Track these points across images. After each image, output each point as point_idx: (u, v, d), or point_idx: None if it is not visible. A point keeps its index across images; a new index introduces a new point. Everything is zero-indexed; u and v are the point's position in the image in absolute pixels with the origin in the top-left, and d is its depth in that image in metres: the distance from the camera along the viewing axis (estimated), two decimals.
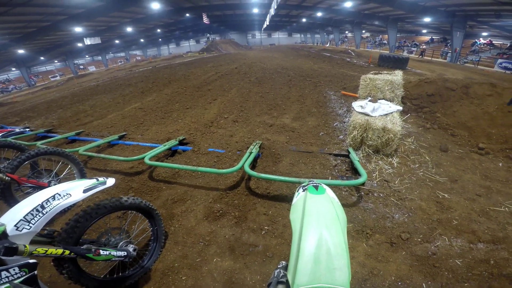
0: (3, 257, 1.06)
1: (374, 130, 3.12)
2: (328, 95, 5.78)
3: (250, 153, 3.05)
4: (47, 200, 1.31)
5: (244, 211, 2.44)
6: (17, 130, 4.71)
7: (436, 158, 3.16)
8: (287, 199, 2.54)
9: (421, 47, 24.54)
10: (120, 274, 1.76)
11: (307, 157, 3.26)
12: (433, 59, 20.16)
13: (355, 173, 2.85)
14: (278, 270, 0.89)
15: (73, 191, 1.43)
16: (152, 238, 1.95)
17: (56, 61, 34.92)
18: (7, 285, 1.02)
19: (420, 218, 2.27)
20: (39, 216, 1.25)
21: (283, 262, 0.97)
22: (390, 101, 4.00)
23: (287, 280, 0.77)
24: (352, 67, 12.10)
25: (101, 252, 1.45)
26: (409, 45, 26.47)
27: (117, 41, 33.02)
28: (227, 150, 3.45)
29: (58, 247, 1.26)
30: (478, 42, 21.82)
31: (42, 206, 1.28)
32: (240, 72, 10.42)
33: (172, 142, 3.64)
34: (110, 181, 1.65)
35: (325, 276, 0.69)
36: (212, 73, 10.68)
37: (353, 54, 18.40)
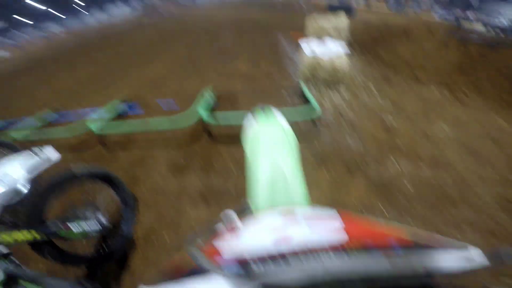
0: None
1: (323, 67, 3.29)
2: (278, 38, 5.94)
3: (204, 100, 2.98)
4: None
5: (208, 157, 2.44)
6: None
7: (380, 87, 3.51)
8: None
9: None
10: (105, 248, 1.70)
11: (262, 97, 3.29)
12: (379, 9, 21.42)
13: (309, 106, 3.01)
14: (244, 200, 0.86)
15: (12, 170, 1.36)
16: (122, 205, 1.87)
17: None
18: None
19: (371, 142, 2.51)
20: None
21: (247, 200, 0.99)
22: (337, 42, 4.20)
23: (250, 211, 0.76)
24: (301, 14, 12.26)
25: (72, 227, 1.41)
26: None
27: (28, 20, 27.88)
28: (180, 101, 3.33)
29: (24, 230, 1.22)
30: None
31: None
32: (187, 30, 9.83)
33: (119, 106, 3.37)
34: (54, 155, 1.56)
35: (283, 198, 0.70)
36: (155, 35, 9.78)
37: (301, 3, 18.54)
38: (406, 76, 3.99)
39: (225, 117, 2.63)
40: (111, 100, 3.69)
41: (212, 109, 3.15)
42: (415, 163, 2.29)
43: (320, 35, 4.35)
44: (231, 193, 2.08)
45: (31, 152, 1.50)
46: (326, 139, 2.58)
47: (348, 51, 4.00)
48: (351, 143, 2.51)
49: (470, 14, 4.65)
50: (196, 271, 0.33)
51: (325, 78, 3.34)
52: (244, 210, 0.76)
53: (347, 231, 0.38)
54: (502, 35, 4.60)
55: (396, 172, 2.21)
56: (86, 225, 1.50)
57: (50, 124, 3.54)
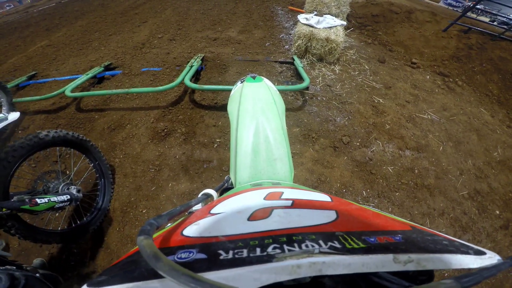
0: None
1: (318, 40, 3.34)
2: (276, 10, 5.83)
3: (191, 66, 3.00)
4: None
5: (191, 125, 2.48)
6: None
7: (374, 67, 3.61)
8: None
9: None
10: (78, 222, 1.70)
11: (253, 66, 3.37)
12: None
13: (299, 78, 3.09)
14: (227, 176, 0.85)
15: None
16: (97, 175, 1.84)
17: None
18: None
19: (358, 121, 2.64)
20: None
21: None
22: (336, 17, 4.23)
23: (232, 188, 0.74)
24: None
25: (38, 201, 1.35)
26: None
27: None
28: (165, 67, 3.31)
29: None
30: None
31: None
32: None
33: (97, 69, 3.33)
34: (13, 115, 1.50)
35: (266, 169, 0.69)
36: None
37: None
38: (402, 59, 4.12)
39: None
40: (92, 65, 3.65)
41: (198, 73, 3.20)
42: (399, 147, 2.47)
43: (319, 9, 4.35)
44: (215, 167, 2.14)
45: None
46: (314, 113, 2.71)
47: (345, 25, 4.05)
48: (339, 120, 2.66)
49: (478, 4, 4.70)
50: (141, 268, 0.26)
51: (319, 50, 3.41)
52: (225, 187, 0.78)
53: (338, 211, 0.35)
54: (506, 27, 4.75)
55: (380, 154, 2.39)
56: (55, 197, 1.44)
57: (21, 87, 3.48)
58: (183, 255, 0.27)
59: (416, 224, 0.32)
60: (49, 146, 1.52)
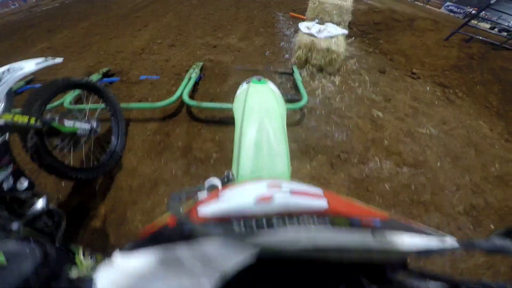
0: None
1: (319, 50, 3.30)
2: (277, 17, 5.81)
3: (190, 78, 2.96)
4: (2, 72, 1.41)
5: (188, 140, 2.44)
6: None
7: (374, 78, 3.57)
8: (234, 122, 2.60)
9: None
10: (95, 163, 1.98)
11: (253, 75, 3.28)
12: None
13: (298, 92, 3.07)
14: (227, 171, 0.86)
15: (26, 64, 1.56)
16: (112, 121, 2.20)
17: None
18: None
19: (357, 137, 2.60)
20: None
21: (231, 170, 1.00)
22: (337, 25, 4.18)
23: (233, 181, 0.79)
24: None
25: (65, 122, 1.59)
26: None
27: None
28: (163, 76, 3.28)
29: (22, 114, 1.35)
30: None
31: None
32: None
33: (95, 77, 3.27)
34: (59, 59, 1.79)
35: (266, 163, 0.74)
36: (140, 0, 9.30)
37: None
38: (403, 69, 4.07)
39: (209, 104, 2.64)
40: (90, 71, 3.61)
41: (197, 83, 3.14)
42: (396, 164, 2.43)
43: (320, 17, 4.31)
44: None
45: (44, 58, 1.73)
46: (312, 127, 2.67)
47: (347, 34, 4.01)
48: (337, 135, 2.61)
49: (481, 12, 4.65)
50: (177, 233, 0.32)
51: (319, 61, 3.37)
52: (227, 180, 0.80)
53: (329, 201, 0.39)
54: (507, 35, 4.70)
55: (377, 171, 2.34)
56: (79, 123, 1.73)
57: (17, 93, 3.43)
58: None
59: (395, 216, 0.38)
60: (76, 87, 1.88)
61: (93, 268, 1.26)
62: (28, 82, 3.65)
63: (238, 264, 0.29)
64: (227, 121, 2.65)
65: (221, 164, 2.25)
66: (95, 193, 2.05)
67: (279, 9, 6.38)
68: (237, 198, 0.45)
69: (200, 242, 0.29)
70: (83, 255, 1.17)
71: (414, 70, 4.02)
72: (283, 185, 0.49)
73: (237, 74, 3.35)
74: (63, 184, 2.07)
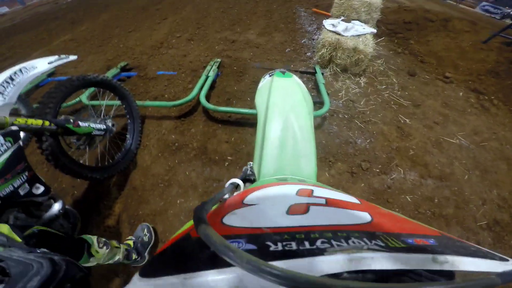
0: None
1: (345, 50, 3.10)
2: (298, 12, 5.56)
3: (207, 76, 2.86)
4: (15, 73, 1.37)
5: (203, 140, 2.37)
6: None
7: (403, 81, 3.32)
8: (250, 124, 2.51)
9: None
10: (110, 161, 1.95)
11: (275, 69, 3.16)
12: None
13: (320, 94, 2.91)
14: (246, 167, 0.85)
15: (39, 64, 1.52)
16: (128, 118, 2.16)
17: None
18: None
19: (381, 144, 2.43)
20: (11, 87, 1.31)
21: (251, 162, 0.93)
22: (365, 23, 3.94)
23: (254, 179, 0.75)
24: None
25: (80, 123, 1.59)
26: None
27: None
28: (180, 72, 3.20)
29: (37, 118, 1.34)
30: None
31: (11, 78, 1.34)
32: None
33: (113, 71, 3.24)
34: (73, 57, 1.75)
35: (291, 164, 0.68)
36: None
37: None
38: (434, 73, 3.77)
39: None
40: (109, 65, 3.60)
41: (214, 81, 3.04)
42: (421, 175, 2.25)
43: (347, 14, 4.08)
44: (223, 184, 2.02)
45: (58, 56, 1.69)
46: (334, 133, 2.51)
47: (375, 33, 3.77)
48: (360, 142, 2.44)
49: None
50: (203, 255, 0.26)
51: (344, 61, 3.17)
52: (247, 179, 0.78)
53: (371, 213, 0.35)
54: None
55: (400, 182, 2.18)
56: (94, 124, 1.73)
57: (38, 86, 3.46)
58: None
59: (443, 232, 0.34)
60: (93, 85, 1.83)
61: (111, 257, 1.28)
62: (49, 75, 3.69)
63: None
64: (243, 122, 2.54)
65: (235, 167, 2.16)
66: (110, 191, 2.04)
67: (300, 4, 6.15)
68: (266, 204, 0.40)
69: (234, 268, 0.23)
70: (98, 245, 1.20)
71: (447, 74, 3.72)
72: (314, 191, 0.44)
73: (256, 72, 3.21)
74: (78, 181, 2.07)
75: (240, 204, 0.41)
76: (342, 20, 3.76)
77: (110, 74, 3.17)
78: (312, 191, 0.44)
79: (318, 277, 0.18)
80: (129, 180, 2.12)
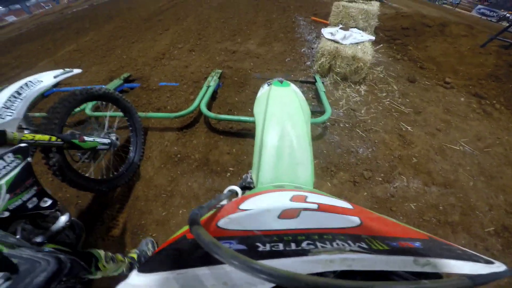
0: None
1: (344, 58, 3.09)
2: (297, 21, 5.58)
3: (208, 87, 2.85)
4: (21, 87, 1.40)
5: (205, 151, 2.36)
6: None
7: (403, 88, 3.30)
8: (251, 135, 2.49)
9: None
10: (115, 173, 1.95)
11: (274, 78, 3.16)
12: None
13: (321, 103, 2.89)
14: (246, 175, 0.86)
15: (44, 78, 1.56)
16: (131, 133, 2.17)
17: None
18: None
19: (383, 153, 2.40)
20: (18, 101, 1.33)
21: (250, 172, 0.94)
22: (363, 31, 3.94)
23: (253, 187, 0.76)
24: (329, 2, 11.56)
25: (85, 138, 1.62)
26: None
27: None
28: (182, 83, 3.20)
29: (44, 133, 1.35)
30: None
31: (18, 93, 1.36)
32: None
33: (116, 83, 3.24)
34: (77, 70, 1.79)
35: (288, 172, 0.69)
36: (163, 2, 9.42)
37: None
38: (434, 79, 3.75)
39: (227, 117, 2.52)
40: (112, 76, 3.61)
41: (215, 91, 3.04)
42: (425, 183, 2.22)
43: (345, 22, 4.08)
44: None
45: (63, 69, 1.74)
46: (335, 142, 2.48)
47: (374, 40, 3.76)
48: (361, 151, 2.41)
49: None
50: (195, 246, 0.28)
51: (344, 69, 3.16)
52: (247, 186, 0.78)
53: (361, 218, 0.36)
54: None
55: (403, 190, 2.15)
56: (99, 139, 1.76)
57: (44, 96, 3.47)
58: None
59: (432, 235, 0.34)
60: (96, 99, 1.83)
61: (116, 270, 1.26)
62: (54, 85, 3.70)
63: None
64: (245, 134, 2.53)
65: (237, 178, 2.15)
66: (113, 201, 2.04)
67: (299, 13, 6.17)
68: (259, 210, 0.41)
69: (223, 266, 0.26)
70: (105, 259, 1.23)
71: (447, 79, 3.69)
72: (308, 197, 0.45)
73: (256, 83, 3.21)
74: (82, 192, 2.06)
75: (236, 209, 0.42)
76: (341, 28, 3.77)
77: (113, 85, 3.18)
78: (306, 197, 0.45)
79: (291, 272, 0.20)
80: (132, 191, 2.11)
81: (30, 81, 1.46)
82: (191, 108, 2.51)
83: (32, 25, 11.52)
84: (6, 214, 1.06)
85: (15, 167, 1.11)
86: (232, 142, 2.44)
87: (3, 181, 1.05)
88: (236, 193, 0.58)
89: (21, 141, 1.20)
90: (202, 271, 0.26)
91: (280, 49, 4.12)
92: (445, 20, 5.07)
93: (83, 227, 1.48)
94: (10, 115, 1.25)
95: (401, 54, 4.22)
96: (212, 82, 2.94)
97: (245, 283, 0.25)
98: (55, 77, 1.60)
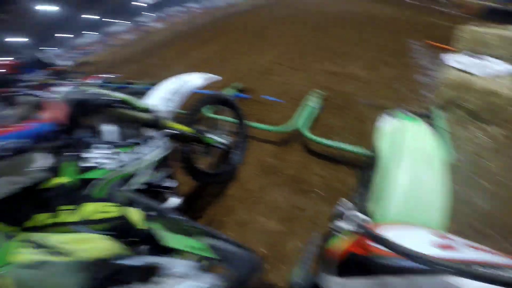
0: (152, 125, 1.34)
1: (474, 91, 2.58)
2: (410, 45, 5.06)
3: (310, 107, 2.88)
4: (180, 84, 1.67)
5: (298, 169, 2.38)
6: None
7: None
8: (347, 163, 2.37)
9: None
10: (218, 170, 2.24)
11: (378, 113, 2.91)
12: None
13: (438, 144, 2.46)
14: (343, 204, 0.84)
15: (195, 79, 1.83)
16: (238, 136, 2.38)
17: (122, 21, 38.19)
18: None
19: (510, 210, 1.87)
20: (177, 96, 1.61)
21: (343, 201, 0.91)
22: (500, 60, 3.21)
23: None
24: (442, 16, 9.95)
25: (207, 134, 1.85)
26: None
27: None
28: (283, 99, 3.33)
29: (184, 124, 1.60)
30: None
31: (178, 89, 1.64)
32: (300, 17, 9.58)
33: (230, 91, 3.62)
34: (217, 77, 2.09)
35: (418, 213, 0.64)
36: (267, 20, 10.12)
37: (445, 1, 15.04)
38: None
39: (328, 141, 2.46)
40: (226, 84, 4.06)
41: (316, 116, 3.02)
42: None
43: (476, 50, 3.43)
44: (306, 216, 1.99)
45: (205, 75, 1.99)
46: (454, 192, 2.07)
47: None
48: (481, 202, 1.95)
49: None
50: (374, 261, 0.33)
51: (474, 105, 2.63)
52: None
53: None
54: None
55: None
56: (216, 137, 1.97)
57: None
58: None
59: None
60: (221, 102, 2.14)
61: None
62: None
63: None
64: (340, 160, 2.41)
65: (321, 201, 2.07)
66: (204, 193, 2.23)
67: (411, 37, 5.55)
68: (408, 239, 0.39)
69: (414, 278, 0.29)
70: None
71: None
72: (451, 237, 0.43)
73: (359, 108, 3.05)
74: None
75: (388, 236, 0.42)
76: (470, 56, 3.19)
77: (227, 93, 3.53)
78: (448, 236, 0.43)
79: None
80: (225, 190, 2.27)
81: (186, 80, 1.73)
82: (291, 125, 2.58)
83: (170, 32, 14.36)
84: (144, 187, 1.24)
85: (165, 148, 1.32)
86: (325, 166, 2.38)
87: (156, 157, 1.26)
88: (367, 222, 0.55)
89: (173, 129, 1.42)
90: (395, 280, 0.30)
91: (389, 75, 3.82)
92: None
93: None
94: (172, 108, 1.52)
95: None
96: (313, 104, 2.95)
97: None
98: (204, 79, 1.87)
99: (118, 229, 0.70)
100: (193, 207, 2.15)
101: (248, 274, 0.45)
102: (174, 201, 1.45)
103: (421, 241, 0.40)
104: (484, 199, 1.98)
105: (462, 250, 0.36)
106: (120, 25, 39.47)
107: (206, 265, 0.53)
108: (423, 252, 0.28)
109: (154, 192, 1.44)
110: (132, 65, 8.53)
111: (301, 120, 2.65)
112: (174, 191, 1.49)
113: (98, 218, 0.71)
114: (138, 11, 35.33)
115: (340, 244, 0.41)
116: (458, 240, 0.41)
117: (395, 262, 0.31)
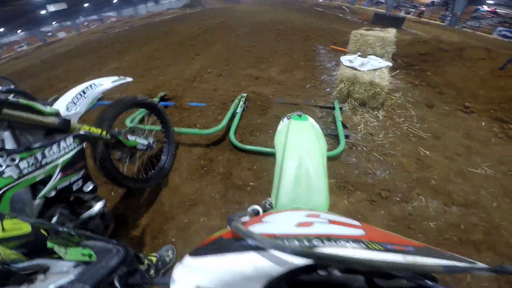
0: (60, 128, 1.26)
1: (362, 84, 3.14)
2: (317, 49, 5.72)
3: (235, 109, 3.02)
4: (87, 87, 1.57)
5: (228, 167, 2.46)
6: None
7: (421, 113, 3.25)
8: (271, 155, 2.57)
9: (420, 8, 23.92)
10: (144, 175, 2.12)
11: (292, 109, 3.26)
12: (431, 21, 19.77)
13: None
14: (264, 200, 0.91)
15: (104, 82, 1.72)
16: (165, 141, 2.36)
17: (19, 31, 31.55)
18: None
19: (400, 175, 2.36)
20: (82, 99, 1.51)
21: (269, 198, 1.02)
22: (380, 57, 3.97)
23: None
24: (344, 23, 11.60)
25: (129, 137, 1.78)
26: (408, 5, 25.75)
27: (86, 4, 30.20)
28: (210, 104, 3.39)
29: (97, 127, 1.52)
30: (481, 9, 21.51)
31: (84, 92, 1.53)
32: (226, 26, 9.86)
33: (154, 100, 3.51)
34: (129, 79, 1.95)
35: (304, 197, 0.74)
36: (195, 29, 10.04)
37: (347, 10, 17.68)
38: (453, 103, 3.64)
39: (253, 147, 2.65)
40: (149, 94, 3.88)
41: (241, 115, 3.16)
42: (444, 203, 2.15)
43: (363, 50, 4.14)
44: (245, 209, 2.06)
45: (117, 77, 1.88)
46: (353, 164, 2.49)
47: (391, 66, 3.75)
48: (379, 173, 2.39)
49: None
50: (232, 247, 0.37)
51: (362, 95, 3.19)
52: (266, 208, 0.81)
53: (366, 231, 0.41)
54: None
55: (422, 210, 2.10)
56: (139, 139, 1.89)
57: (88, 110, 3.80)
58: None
59: (431, 246, 0.38)
60: (139, 105, 2.04)
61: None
62: (98, 99, 4.04)
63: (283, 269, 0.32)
64: (265, 153, 2.60)
65: (256, 192, 2.21)
66: (139, 205, 2.14)
67: (319, 42, 6.29)
68: (279, 222, 0.48)
69: (252, 253, 0.33)
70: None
71: (467, 104, 3.57)
72: (321, 215, 0.50)
73: (277, 107, 3.32)
74: (112, 194, 2.22)
75: (259, 221, 0.49)
76: (359, 56, 3.83)
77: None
78: (319, 215, 0.50)
79: (307, 246, 0.30)
80: (158, 197, 2.22)
81: (93, 83, 1.64)
82: (219, 127, 2.66)
83: (80, 42, 12.60)
84: (53, 193, 1.17)
85: (72, 149, 1.24)
86: (254, 159, 2.53)
87: (60, 160, 1.18)
88: (258, 212, 0.65)
89: (80, 130, 1.35)
90: (237, 255, 0.34)
91: (300, 76, 4.24)
92: (462, 44, 4.96)
93: (112, 218, 1.55)
94: (75, 110, 1.43)
95: (419, 80, 4.17)
96: (238, 108, 3.09)
97: (267, 265, 0.32)
98: (112, 82, 1.77)
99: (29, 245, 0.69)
100: (126, 218, 2.03)
101: (117, 264, 0.50)
102: (96, 205, 1.38)
103: (287, 222, 0.46)
104: (377, 168, 2.44)
105: (316, 226, 0.42)
106: (16, 35, 33.11)
107: (85, 262, 0.56)
108: (255, 232, 0.32)
109: (76, 198, 1.36)
110: (29, 79, 7.13)
111: (228, 122, 2.77)
112: (94, 195, 1.41)
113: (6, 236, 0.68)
114: (41, 20, 29.95)
115: (219, 233, 0.45)
116: (324, 218, 0.47)
117: (240, 242, 0.36)
